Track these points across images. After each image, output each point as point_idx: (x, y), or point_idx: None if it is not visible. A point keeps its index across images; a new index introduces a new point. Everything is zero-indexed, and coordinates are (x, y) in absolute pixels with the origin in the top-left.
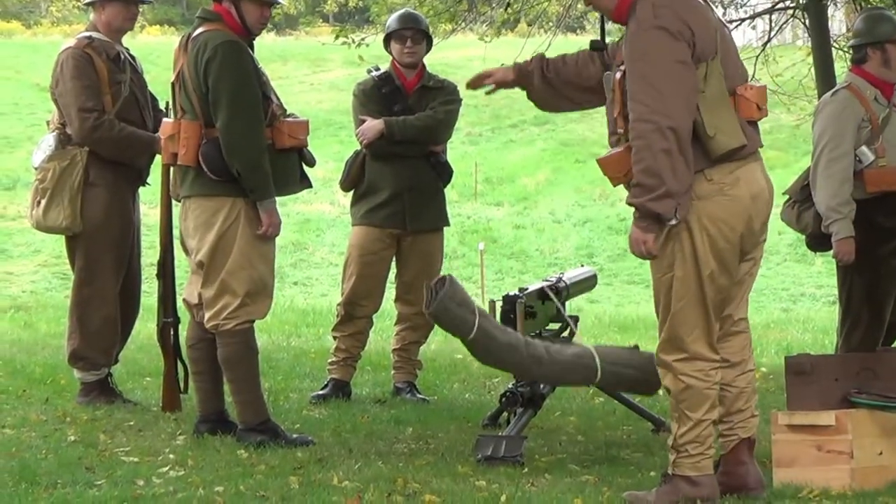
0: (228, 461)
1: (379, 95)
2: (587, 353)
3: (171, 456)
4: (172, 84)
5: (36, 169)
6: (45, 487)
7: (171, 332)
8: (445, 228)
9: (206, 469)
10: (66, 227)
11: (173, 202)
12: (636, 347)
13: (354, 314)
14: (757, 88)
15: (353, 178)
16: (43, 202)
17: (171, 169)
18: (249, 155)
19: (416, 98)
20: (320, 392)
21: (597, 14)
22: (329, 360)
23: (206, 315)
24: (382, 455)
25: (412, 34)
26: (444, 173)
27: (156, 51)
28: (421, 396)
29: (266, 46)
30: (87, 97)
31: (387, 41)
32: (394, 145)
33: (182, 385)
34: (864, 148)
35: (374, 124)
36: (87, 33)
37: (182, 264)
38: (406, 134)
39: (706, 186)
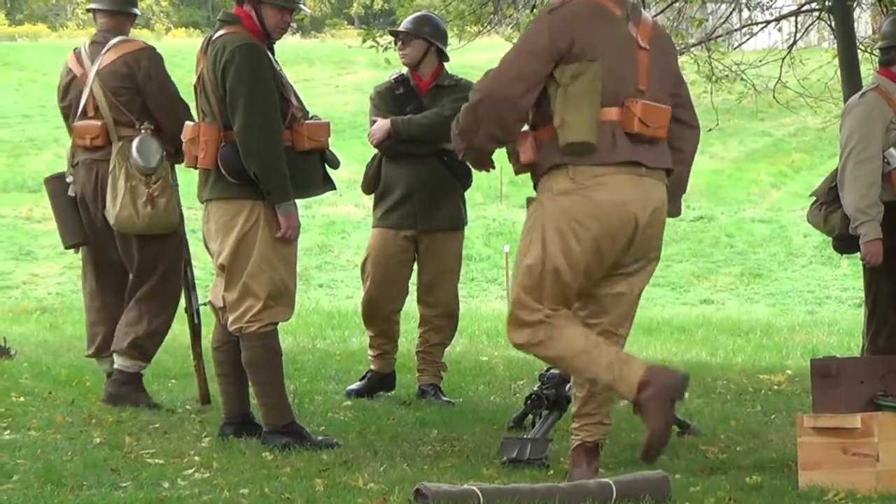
0: (253, 463)
1: (393, 97)
2: None
3: (197, 458)
4: (194, 87)
5: (152, 168)
6: (70, 489)
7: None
8: (469, 230)
9: (231, 471)
10: (177, 222)
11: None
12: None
13: (376, 314)
14: (645, 105)
15: (370, 180)
16: (162, 201)
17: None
18: (266, 158)
19: (431, 98)
20: (355, 386)
21: None
22: (368, 354)
23: (230, 318)
24: (407, 457)
25: (403, 36)
26: (461, 173)
27: (181, 52)
28: (446, 399)
29: (291, 48)
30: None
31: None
32: (400, 144)
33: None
34: (892, 150)
35: (381, 124)
36: (128, 37)
37: (207, 266)
38: (410, 132)
39: (566, 184)
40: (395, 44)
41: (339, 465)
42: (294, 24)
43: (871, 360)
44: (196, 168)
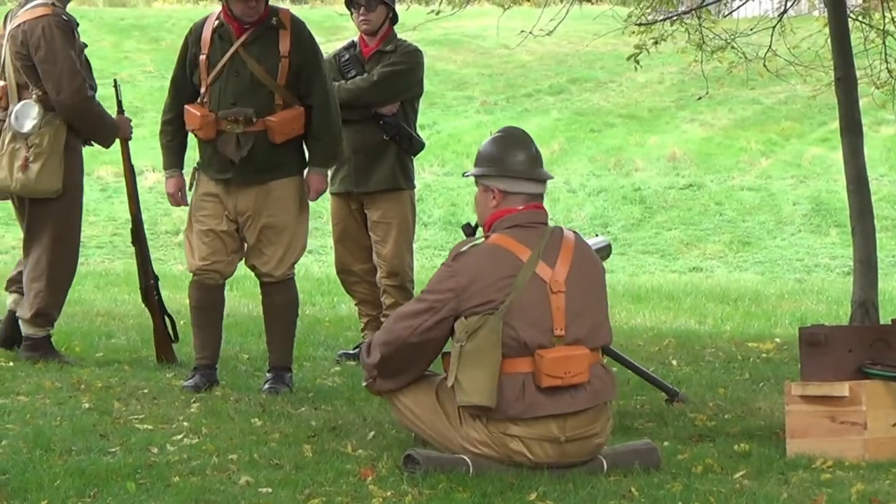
0: (242, 429)
1: (338, 63)
2: None
3: (186, 424)
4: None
5: (26, 134)
6: (59, 454)
7: (155, 291)
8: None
9: (220, 437)
10: (57, 189)
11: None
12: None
13: (346, 277)
14: None
15: None
16: (35, 167)
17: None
18: None
19: (373, 64)
20: (349, 350)
21: None
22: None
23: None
24: (396, 424)
25: (366, 2)
26: (400, 135)
27: (172, 17)
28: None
29: None
30: (77, 65)
31: (349, 9)
32: None
33: (172, 335)
34: None
35: None
36: (42, 2)
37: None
38: (339, 98)
39: None
40: (359, 9)
41: (327, 432)
42: None
43: (859, 329)
44: None
